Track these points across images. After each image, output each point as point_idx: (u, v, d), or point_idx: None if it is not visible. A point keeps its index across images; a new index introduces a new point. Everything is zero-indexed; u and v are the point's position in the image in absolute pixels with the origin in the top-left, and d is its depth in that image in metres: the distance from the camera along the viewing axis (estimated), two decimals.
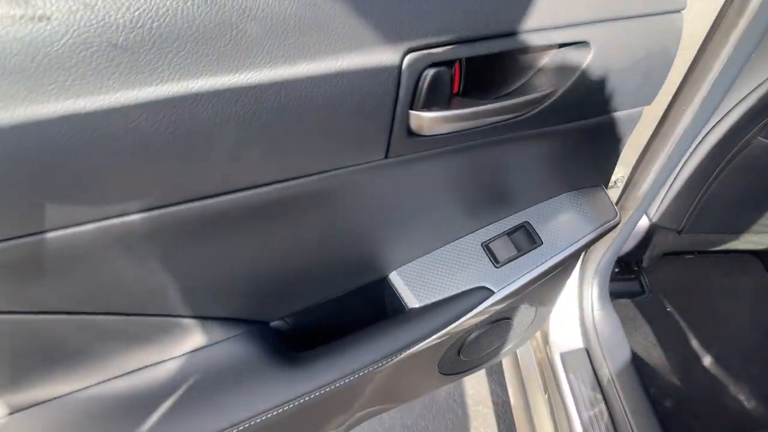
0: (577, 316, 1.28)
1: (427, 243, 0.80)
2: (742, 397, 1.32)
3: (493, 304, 0.79)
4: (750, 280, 1.57)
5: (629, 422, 1.08)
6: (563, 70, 0.63)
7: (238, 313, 0.69)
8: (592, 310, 1.25)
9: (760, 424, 1.26)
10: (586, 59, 0.61)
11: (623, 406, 1.10)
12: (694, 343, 1.43)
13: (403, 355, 0.75)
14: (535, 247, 0.81)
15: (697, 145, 1.16)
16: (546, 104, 0.63)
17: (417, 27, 0.49)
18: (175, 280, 0.58)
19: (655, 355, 1.40)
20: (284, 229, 0.61)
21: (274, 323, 0.76)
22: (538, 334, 1.31)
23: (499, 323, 1.01)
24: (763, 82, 0.99)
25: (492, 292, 0.79)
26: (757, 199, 1.27)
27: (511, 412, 1.56)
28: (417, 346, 0.77)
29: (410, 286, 0.78)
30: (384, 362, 0.73)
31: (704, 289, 1.55)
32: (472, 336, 0.96)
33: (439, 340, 0.81)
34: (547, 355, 1.29)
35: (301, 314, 0.77)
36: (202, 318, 0.67)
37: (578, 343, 1.27)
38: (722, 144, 1.13)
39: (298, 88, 0.47)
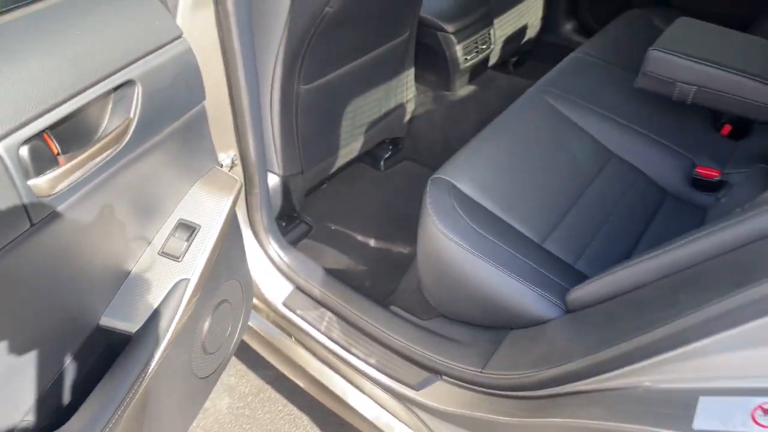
0: (275, 271, 1.54)
1: (113, 276, 0.92)
2: (397, 254, 1.85)
3: (195, 289, 0.97)
4: (364, 178, 2.13)
5: (345, 307, 1.42)
6: (129, 103, 0.83)
7: None
8: (282, 258, 1.53)
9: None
10: (138, 91, 0.82)
11: (337, 302, 1.43)
12: (359, 237, 1.89)
13: (151, 368, 0.87)
14: (197, 231, 1.02)
15: (272, 106, 1.52)
16: (131, 131, 0.82)
17: None
18: None
19: (343, 262, 1.80)
20: None
21: None
22: (257, 301, 1.53)
23: (220, 307, 1.20)
24: (280, 42, 1.38)
25: (188, 279, 0.96)
26: (326, 125, 1.74)
27: (286, 378, 1.75)
28: (160, 360, 0.89)
29: (122, 318, 0.90)
30: (134, 389, 0.82)
31: (343, 200, 2.03)
32: (205, 327, 1.12)
33: (179, 348, 0.93)
34: (274, 312, 1.53)
35: (38, 412, 0.80)
36: None
37: (288, 288, 1.54)
38: (284, 98, 1.52)
39: None
